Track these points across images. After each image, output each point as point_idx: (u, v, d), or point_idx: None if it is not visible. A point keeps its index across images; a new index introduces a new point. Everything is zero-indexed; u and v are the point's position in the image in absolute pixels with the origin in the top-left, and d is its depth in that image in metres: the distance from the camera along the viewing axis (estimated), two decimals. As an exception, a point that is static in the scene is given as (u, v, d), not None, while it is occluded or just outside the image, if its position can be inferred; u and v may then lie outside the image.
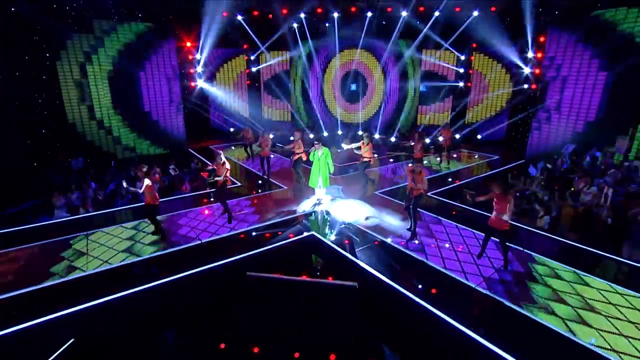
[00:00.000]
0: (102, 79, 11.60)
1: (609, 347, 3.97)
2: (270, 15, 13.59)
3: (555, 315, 4.48)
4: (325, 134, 15.30)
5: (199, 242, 6.33)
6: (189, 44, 14.45)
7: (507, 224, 5.21)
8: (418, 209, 6.60)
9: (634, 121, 9.55)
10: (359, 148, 8.45)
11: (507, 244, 5.47)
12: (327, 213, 7.55)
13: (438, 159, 12.02)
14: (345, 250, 6.07)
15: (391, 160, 12.39)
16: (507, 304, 4.72)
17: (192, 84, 15.14)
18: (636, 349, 3.96)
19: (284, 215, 7.48)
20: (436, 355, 4.06)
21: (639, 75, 9.59)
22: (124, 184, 6.34)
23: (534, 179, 9.06)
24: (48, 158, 10.36)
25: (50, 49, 10.48)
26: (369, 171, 9.28)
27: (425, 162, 11.06)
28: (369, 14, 13.53)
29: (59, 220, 7.49)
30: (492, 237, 5.87)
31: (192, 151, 13.48)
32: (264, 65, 16.04)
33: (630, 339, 4.09)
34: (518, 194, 8.33)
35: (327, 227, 6.97)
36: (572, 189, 7.90)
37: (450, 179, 10.22)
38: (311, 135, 14.58)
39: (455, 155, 12.77)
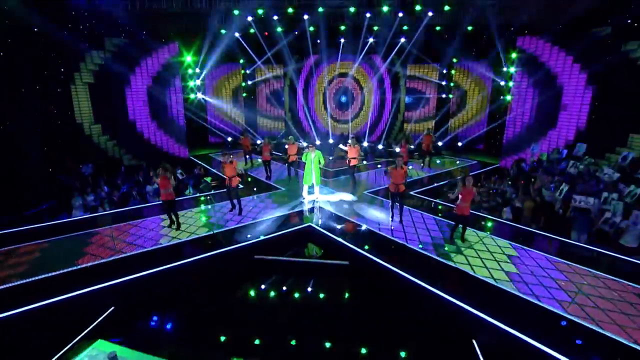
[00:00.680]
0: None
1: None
2: (267, 33, 14.91)
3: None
4: (318, 142, 16.54)
5: (212, 232, 7.38)
6: (189, 59, 15.66)
7: (468, 210, 6.44)
8: (400, 201, 7.80)
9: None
10: (346, 151, 9.72)
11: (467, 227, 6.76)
12: (321, 209, 8.70)
13: (421, 164, 13.28)
14: (338, 236, 7.21)
15: (378, 165, 13.64)
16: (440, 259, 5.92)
17: (192, 96, 16.30)
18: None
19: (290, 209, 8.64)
20: (411, 310, 5.20)
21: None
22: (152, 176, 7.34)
23: (503, 179, 10.38)
24: (61, 164, 11.30)
25: (65, 65, 11.56)
26: (359, 175, 10.52)
27: (410, 167, 12.32)
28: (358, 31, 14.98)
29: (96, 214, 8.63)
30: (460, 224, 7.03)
31: (193, 158, 14.55)
32: (259, 79, 17.36)
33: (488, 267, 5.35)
34: (491, 192, 9.63)
35: (322, 218, 8.10)
36: (535, 185, 9.21)
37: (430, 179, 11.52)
38: (304, 144, 15.79)
39: (438, 162, 14.09)
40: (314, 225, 7.74)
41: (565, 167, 9.40)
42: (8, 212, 8.69)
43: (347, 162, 10.11)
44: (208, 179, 11.42)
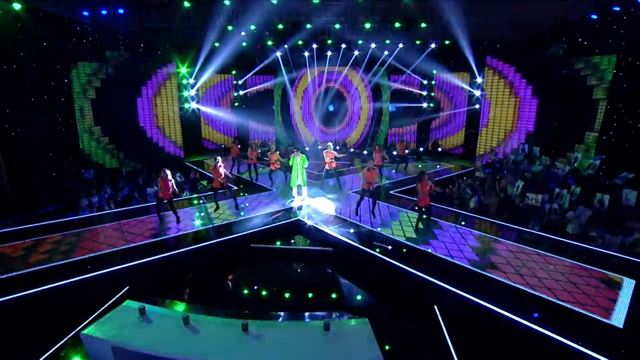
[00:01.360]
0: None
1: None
2: (259, 46, 16.11)
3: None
4: (307, 148, 17.67)
5: (212, 225, 8.38)
6: (184, 70, 16.74)
7: (427, 200, 7.61)
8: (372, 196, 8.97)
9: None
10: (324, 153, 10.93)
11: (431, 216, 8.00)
12: (308, 205, 9.79)
13: (393, 170, 14.41)
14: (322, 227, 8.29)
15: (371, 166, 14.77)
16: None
17: (186, 105, 17.34)
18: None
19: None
20: (386, 286, 6.29)
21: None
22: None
23: (474, 177, 11.69)
24: (64, 169, 12.15)
25: (68, 75, 12.53)
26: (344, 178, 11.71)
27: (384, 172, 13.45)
28: (343, 46, 16.31)
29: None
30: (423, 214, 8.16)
31: (188, 164, 15.51)
32: (250, 89, 18.55)
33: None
34: (460, 188, 10.88)
35: (308, 213, 9.18)
36: (500, 183, 10.49)
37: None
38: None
39: (420, 166, 15.32)
40: (301, 219, 8.82)
41: (525, 167, 10.73)
42: (19, 212, 9.53)
43: (325, 165, 11.14)
44: (204, 182, 12.41)
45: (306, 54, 16.68)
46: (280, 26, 13.78)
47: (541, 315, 5.10)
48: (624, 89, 10.22)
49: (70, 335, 4.84)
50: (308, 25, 13.86)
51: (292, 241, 8.19)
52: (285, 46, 16.08)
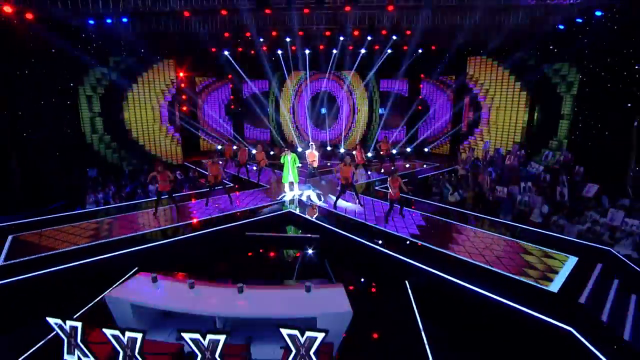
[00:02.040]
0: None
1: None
2: (253, 52, 17.08)
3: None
4: (300, 149, 18.62)
5: (209, 216, 9.30)
6: (181, 74, 17.68)
7: (397, 194, 8.59)
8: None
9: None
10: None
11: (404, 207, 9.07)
12: (299, 199, 10.74)
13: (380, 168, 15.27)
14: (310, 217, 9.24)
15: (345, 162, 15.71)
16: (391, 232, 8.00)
17: (184, 108, 18.27)
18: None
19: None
20: (365, 265, 7.23)
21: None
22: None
23: (457, 174, 12.71)
24: (70, 168, 13.01)
25: (74, 79, 13.42)
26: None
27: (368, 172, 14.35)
28: (334, 51, 17.31)
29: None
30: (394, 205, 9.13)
31: (187, 164, 16.40)
32: (246, 92, 19.52)
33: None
34: (440, 183, 11.87)
35: (299, 206, 10.12)
36: (478, 178, 11.49)
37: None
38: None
39: (407, 165, 16.27)
40: (292, 211, 9.76)
41: (500, 164, 11.76)
42: (33, 206, 10.40)
43: (310, 164, 12.14)
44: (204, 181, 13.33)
45: (299, 58, 17.65)
46: (274, 33, 14.78)
47: (494, 285, 6.05)
48: (588, 94, 11.29)
49: (95, 301, 5.74)
50: (300, 33, 14.87)
51: (284, 230, 9.12)
52: (279, 52, 17.09)
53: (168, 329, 4.97)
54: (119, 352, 3.88)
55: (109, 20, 12.82)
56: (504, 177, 10.82)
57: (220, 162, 10.10)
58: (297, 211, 9.78)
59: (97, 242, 7.79)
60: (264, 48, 16.50)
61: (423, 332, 5.26)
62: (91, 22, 12.83)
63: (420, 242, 7.79)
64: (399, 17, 13.32)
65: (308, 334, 3.73)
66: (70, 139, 13.26)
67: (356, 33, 14.75)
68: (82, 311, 5.55)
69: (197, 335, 3.73)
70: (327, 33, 14.88)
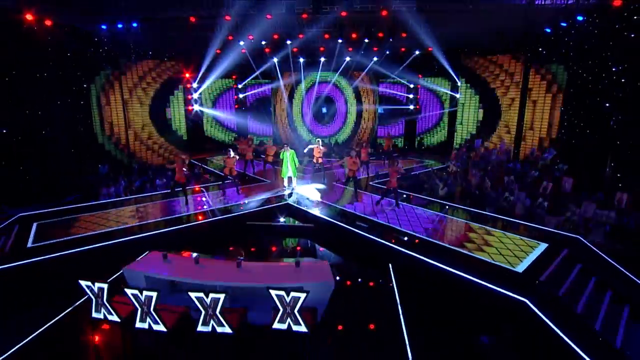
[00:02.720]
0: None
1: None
2: (257, 54, 17.96)
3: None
4: (306, 150, 19.40)
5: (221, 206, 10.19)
6: (187, 75, 18.63)
7: (395, 183, 9.36)
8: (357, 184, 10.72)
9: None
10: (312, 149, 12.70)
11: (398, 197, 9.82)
12: (297, 192, 11.56)
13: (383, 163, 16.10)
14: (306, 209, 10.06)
15: (351, 156, 16.49)
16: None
17: (190, 107, 19.22)
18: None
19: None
20: (354, 251, 8.03)
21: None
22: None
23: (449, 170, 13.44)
24: (83, 164, 13.99)
25: (87, 80, 14.41)
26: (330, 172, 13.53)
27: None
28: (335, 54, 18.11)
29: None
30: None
31: (194, 161, 17.32)
32: (250, 93, 20.43)
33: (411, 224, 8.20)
34: (432, 178, 12.62)
35: (296, 198, 10.95)
36: (468, 175, 12.23)
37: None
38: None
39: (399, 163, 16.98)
40: (290, 203, 10.60)
41: (489, 160, 12.48)
42: (50, 200, 11.35)
43: (315, 160, 12.93)
44: (208, 176, 14.26)
45: (300, 60, 18.50)
46: (275, 36, 15.64)
47: (467, 267, 6.80)
48: (574, 94, 11.96)
49: (115, 275, 6.62)
50: (300, 36, 15.71)
51: (282, 220, 9.94)
52: (281, 54, 17.95)
53: (176, 297, 5.81)
54: (137, 309, 4.73)
55: (120, 25, 13.79)
56: (491, 173, 11.53)
57: (236, 157, 11.03)
58: (295, 203, 10.61)
59: (114, 228, 8.74)
60: (267, 50, 17.36)
61: (399, 304, 6.05)
62: (103, 27, 13.82)
63: (417, 240, 8.57)
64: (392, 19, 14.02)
65: (293, 294, 4.54)
66: (84, 137, 14.25)
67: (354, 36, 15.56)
68: (110, 279, 6.44)
69: (201, 294, 4.56)
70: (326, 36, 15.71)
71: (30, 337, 5.35)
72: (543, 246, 7.63)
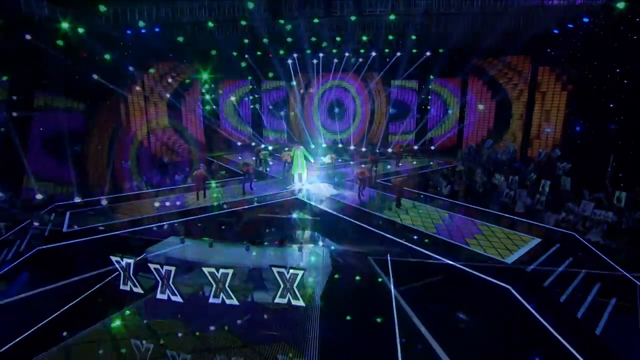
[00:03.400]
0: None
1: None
2: (270, 55, 18.78)
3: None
4: (313, 146, 20.10)
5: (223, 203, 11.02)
6: (205, 77, 19.62)
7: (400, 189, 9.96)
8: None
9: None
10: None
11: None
12: (306, 189, 12.26)
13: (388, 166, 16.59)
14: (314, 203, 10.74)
15: (362, 165, 17.08)
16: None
17: (207, 107, 20.24)
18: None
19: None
20: (353, 235, 8.68)
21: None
22: None
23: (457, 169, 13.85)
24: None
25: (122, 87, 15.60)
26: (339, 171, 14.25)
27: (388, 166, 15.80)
28: (347, 54, 18.72)
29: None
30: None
31: (209, 158, 18.30)
32: (264, 93, 21.31)
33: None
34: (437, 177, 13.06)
35: (306, 194, 11.64)
36: (473, 173, 12.61)
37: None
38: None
39: (414, 162, 17.44)
40: (299, 198, 11.32)
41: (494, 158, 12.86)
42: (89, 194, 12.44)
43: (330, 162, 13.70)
44: (222, 172, 15.16)
45: (314, 62, 19.21)
46: (289, 39, 16.40)
47: (461, 258, 7.31)
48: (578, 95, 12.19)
49: (139, 257, 7.42)
50: (313, 39, 16.42)
51: (292, 213, 10.67)
52: (295, 55, 18.72)
53: (192, 276, 6.59)
54: (158, 282, 5.51)
55: (143, 30, 14.84)
56: (496, 171, 11.90)
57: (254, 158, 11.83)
58: (304, 198, 11.32)
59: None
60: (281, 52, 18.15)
61: (392, 287, 6.63)
62: (128, 32, 14.90)
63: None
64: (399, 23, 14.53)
65: (292, 271, 5.23)
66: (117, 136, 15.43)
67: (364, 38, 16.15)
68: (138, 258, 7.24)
69: (212, 269, 5.31)
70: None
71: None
72: (536, 241, 8.04)
